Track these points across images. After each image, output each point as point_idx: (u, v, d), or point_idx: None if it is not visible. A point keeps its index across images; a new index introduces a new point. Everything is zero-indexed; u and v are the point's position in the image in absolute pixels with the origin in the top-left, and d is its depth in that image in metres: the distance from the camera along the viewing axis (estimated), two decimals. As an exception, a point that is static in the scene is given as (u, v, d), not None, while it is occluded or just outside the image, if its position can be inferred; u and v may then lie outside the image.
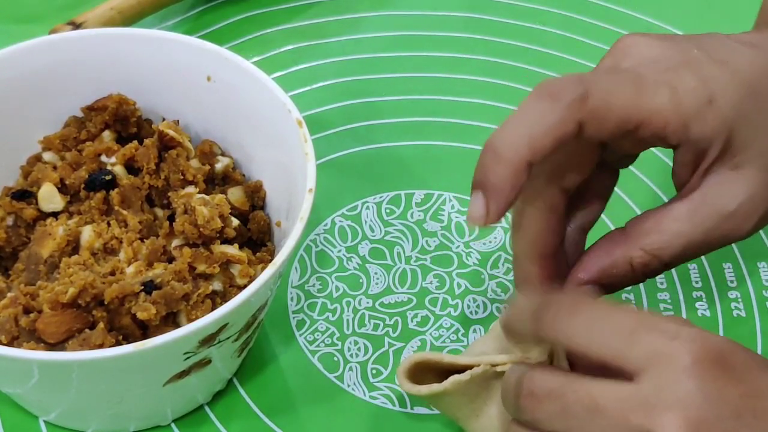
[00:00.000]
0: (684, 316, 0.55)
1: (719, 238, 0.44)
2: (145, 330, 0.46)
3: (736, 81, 0.42)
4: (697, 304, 0.55)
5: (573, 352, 0.41)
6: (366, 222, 0.59)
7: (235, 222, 0.50)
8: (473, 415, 0.47)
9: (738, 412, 0.38)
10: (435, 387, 0.45)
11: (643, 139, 0.43)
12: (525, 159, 0.41)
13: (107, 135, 0.53)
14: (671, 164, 0.62)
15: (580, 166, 0.45)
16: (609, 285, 0.46)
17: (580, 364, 0.41)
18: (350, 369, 0.53)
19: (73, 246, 0.48)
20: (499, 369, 0.45)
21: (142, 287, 0.45)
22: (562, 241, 0.47)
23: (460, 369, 0.46)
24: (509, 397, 0.41)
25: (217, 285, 0.48)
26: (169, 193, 0.51)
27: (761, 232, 0.59)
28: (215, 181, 0.53)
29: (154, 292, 0.45)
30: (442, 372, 0.46)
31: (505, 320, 0.43)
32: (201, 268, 0.47)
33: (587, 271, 0.46)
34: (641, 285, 0.56)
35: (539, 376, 0.40)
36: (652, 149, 0.63)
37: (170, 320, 0.46)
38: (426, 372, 0.47)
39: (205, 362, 0.46)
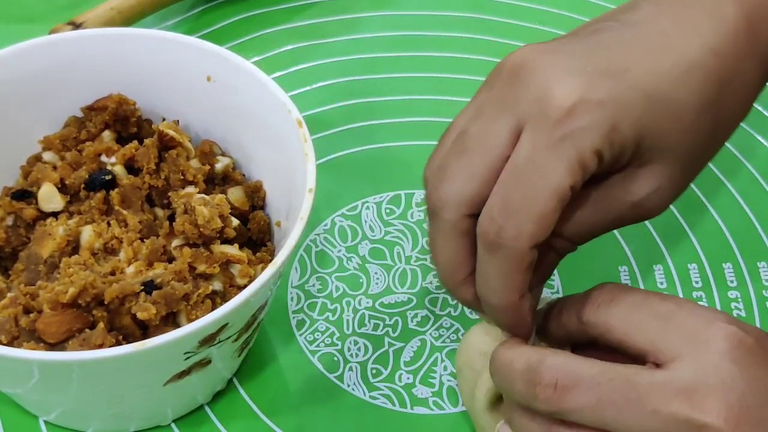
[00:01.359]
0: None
1: (626, 223, 0.45)
2: (145, 330, 0.46)
3: (635, 94, 0.42)
4: (697, 304, 0.55)
5: (612, 344, 0.41)
6: (366, 222, 0.59)
7: (235, 222, 0.50)
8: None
9: None
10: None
11: None
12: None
13: (107, 135, 0.53)
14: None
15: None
16: (547, 275, 0.46)
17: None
18: (350, 369, 0.53)
19: (73, 246, 0.48)
20: None
21: (142, 287, 0.45)
22: None
23: None
24: (518, 384, 0.41)
25: (217, 285, 0.48)
26: (169, 193, 0.51)
27: (761, 232, 0.59)
28: (215, 181, 0.53)
29: (154, 292, 0.45)
30: None
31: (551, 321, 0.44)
32: (201, 268, 0.47)
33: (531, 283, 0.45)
34: (641, 286, 0.56)
35: (564, 365, 0.40)
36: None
37: (170, 320, 0.46)
38: None
39: (205, 362, 0.46)
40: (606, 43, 0.43)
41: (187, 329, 0.42)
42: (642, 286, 0.56)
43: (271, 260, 0.47)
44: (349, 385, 0.52)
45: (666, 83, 0.42)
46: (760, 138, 0.64)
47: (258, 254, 0.51)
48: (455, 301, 0.55)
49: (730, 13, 0.43)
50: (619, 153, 0.42)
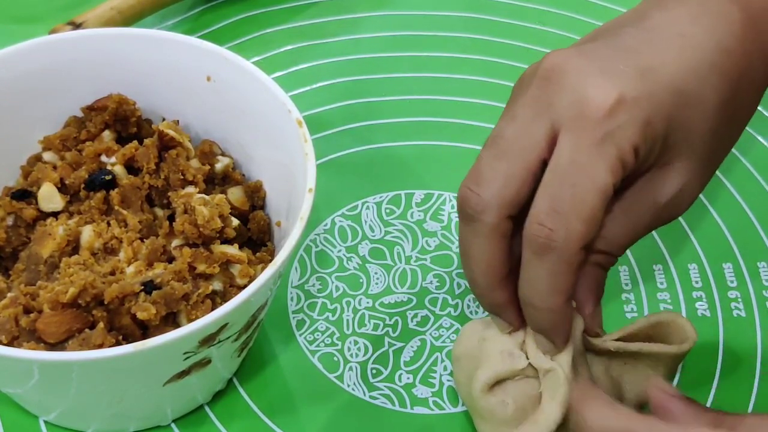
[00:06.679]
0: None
1: (658, 224, 0.46)
2: (145, 330, 0.46)
3: (665, 91, 0.43)
4: (697, 304, 0.55)
5: None
6: (366, 222, 0.59)
7: (235, 222, 0.50)
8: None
9: None
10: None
11: None
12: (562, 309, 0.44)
13: (107, 135, 0.53)
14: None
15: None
16: (601, 294, 0.47)
17: None
18: (350, 369, 0.53)
19: (73, 246, 0.48)
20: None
21: (142, 287, 0.45)
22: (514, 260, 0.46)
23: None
24: None
25: (217, 285, 0.48)
26: (169, 193, 0.51)
27: (761, 232, 0.59)
28: (215, 181, 0.53)
29: (154, 292, 0.45)
30: None
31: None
32: (201, 268, 0.47)
33: (588, 302, 0.46)
34: (641, 286, 0.56)
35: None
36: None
37: (170, 320, 0.46)
38: None
39: (205, 362, 0.46)
40: (630, 46, 0.44)
41: (187, 329, 0.42)
42: (642, 287, 0.56)
43: (271, 260, 0.47)
44: (349, 385, 0.52)
45: (693, 81, 0.43)
46: (759, 138, 0.64)
47: (258, 254, 0.51)
48: (455, 301, 0.55)
49: (736, 15, 0.45)
50: (650, 149, 0.43)
